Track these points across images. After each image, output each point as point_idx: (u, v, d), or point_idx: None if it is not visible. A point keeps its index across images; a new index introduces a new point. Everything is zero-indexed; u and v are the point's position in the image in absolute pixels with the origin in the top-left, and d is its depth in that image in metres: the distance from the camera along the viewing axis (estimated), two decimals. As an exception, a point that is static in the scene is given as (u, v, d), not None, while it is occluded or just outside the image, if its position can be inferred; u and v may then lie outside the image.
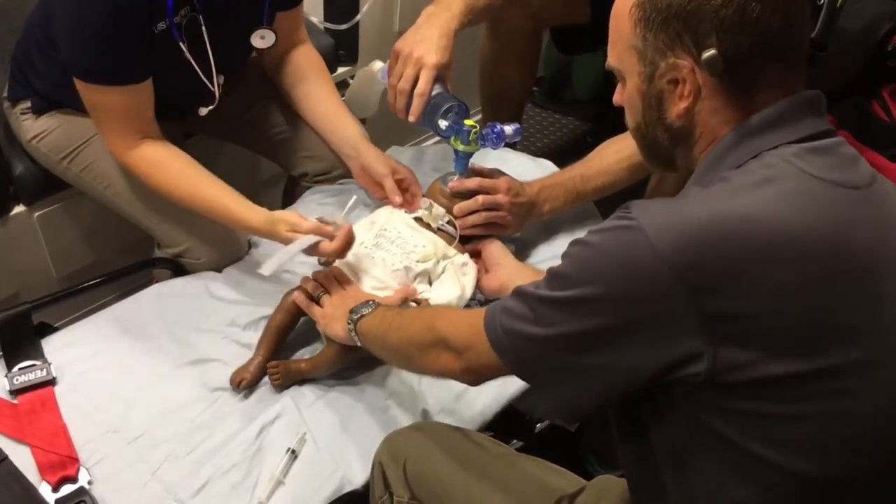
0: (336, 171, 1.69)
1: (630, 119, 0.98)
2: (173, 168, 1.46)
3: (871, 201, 0.86)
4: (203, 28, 1.42)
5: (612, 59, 0.96)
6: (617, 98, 0.99)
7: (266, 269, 1.34)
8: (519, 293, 0.91)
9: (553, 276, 0.88)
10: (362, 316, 1.20)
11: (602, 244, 0.84)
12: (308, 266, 1.50)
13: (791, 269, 0.79)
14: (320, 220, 1.36)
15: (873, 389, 0.82)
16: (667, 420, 0.88)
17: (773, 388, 0.80)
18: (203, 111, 1.55)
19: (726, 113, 0.89)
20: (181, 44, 1.41)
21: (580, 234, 1.57)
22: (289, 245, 1.34)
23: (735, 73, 0.86)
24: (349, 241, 1.35)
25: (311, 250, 1.35)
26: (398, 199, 1.50)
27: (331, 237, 1.34)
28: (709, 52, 0.85)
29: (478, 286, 1.44)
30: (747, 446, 0.82)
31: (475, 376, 1.02)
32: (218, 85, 1.52)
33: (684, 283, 0.79)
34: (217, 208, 1.43)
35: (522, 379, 0.95)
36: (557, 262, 1.55)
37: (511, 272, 1.41)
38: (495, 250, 1.45)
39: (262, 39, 1.53)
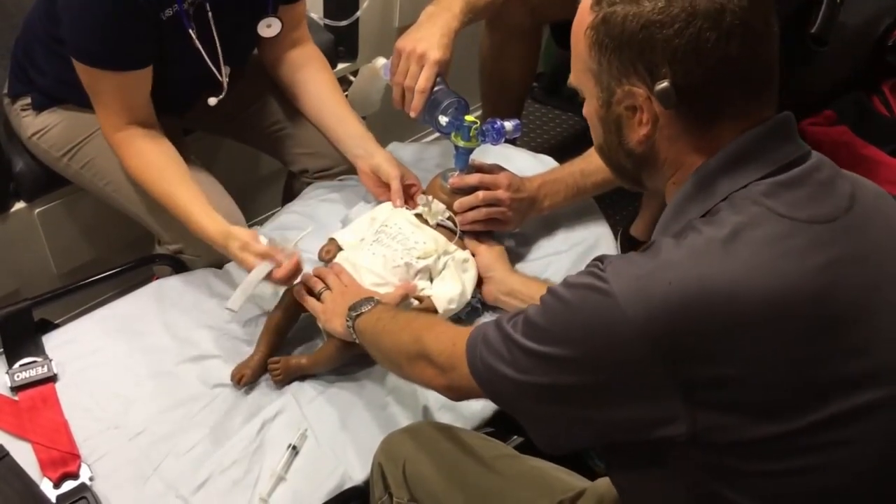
0: (337, 168, 1.69)
1: (594, 138, 0.95)
2: (150, 162, 1.46)
3: (850, 233, 0.82)
4: (210, 15, 1.42)
5: (573, 78, 0.92)
6: (584, 112, 0.95)
7: (233, 304, 1.32)
8: (499, 327, 0.90)
9: (528, 322, 0.86)
10: (361, 314, 1.20)
11: (575, 304, 0.82)
12: (309, 263, 1.50)
13: (769, 332, 0.77)
14: (271, 242, 1.36)
15: (870, 435, 0.80)
16: (653, 467, 0.86)
17: (762, 446, 0.78)
18: (213, 101, 1.55)
19: (687, 141, 0.86)
20: (190, 30, 1.41)
21: (579, 229, 1.61)
22: (248, 275, 1.33)
23: (692, 103, 0.83)
24: (296, 270, 1.35)
25: (268, 277, 1.34)
26: (400, 202, 1.50)
27: (279, 264, 1.33)
28: (661, 84, 0.81)
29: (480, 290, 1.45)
30: (738, 500, 0.81)
31: (458, 394, 1.02)
32: (225, 75, 1.52)
33: (658, 351, 0.77)
34: (180, 210, 1.43)
35: (502, 408, 0.94)
36: (557, 257, 1.57)
37: (500, 285, 1.41)
38: (486, 260, 1.44)
39: (268, 28, 1.54)
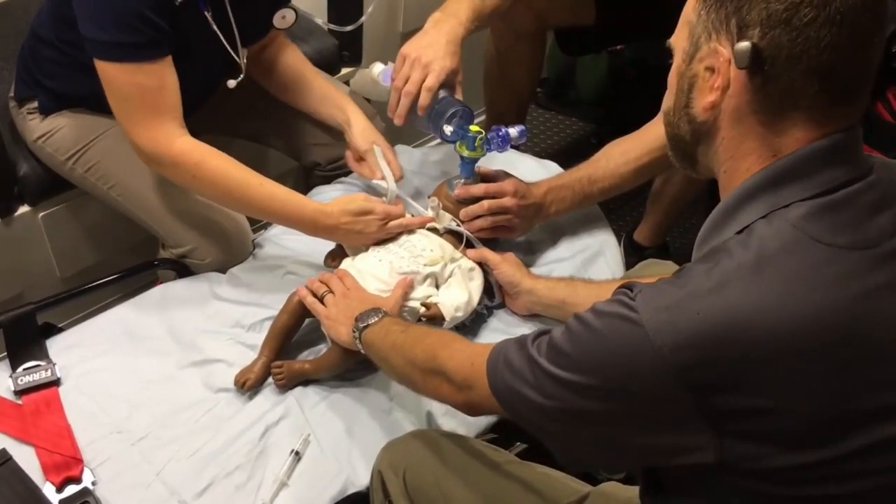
0: None
1: (665, 101, 0.92)
2: (228, 163, 1.40)
3: (890, 259, 0.79)
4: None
5: (673, 37, 0.90)
6: (669, 76, 0.92)
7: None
8: (523, 348, 0.88)
9: (553, 348, 0.85)
10: (368, 325, 1.20)
11: (602, 333, 0.81)
12: (314, 269, 1.50)
13: (800, 364, 0.75)
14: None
15: None
16: (682, 491, 0.85)
17: (795, 473, 0.77)
18: (232, 83, 1.54)
19: (751, 126, 0.82)
20: (206, 13, 1.40)
21: (585, 236, 1.61)
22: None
23: (767, 78, 0.79)
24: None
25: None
26: (379, 174, 1.52)
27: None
28: (743, 42, 0.78)
29: (486, 292, 1.44)
30: None
31: (476, 411, 1.01)
32: (243, 56, 1.52)
33: (686, 382, 0.75)
34: (278, 200, 1.41)
35: (524, 427, 0.92)
36: (560, 264, 1.56)
37: (534, 297, 1.39)
38: (507, 273, 1.40)
39: (283, 19, 1.55)
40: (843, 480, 0.77)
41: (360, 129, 1.59)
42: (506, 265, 1.42)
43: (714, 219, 0.86)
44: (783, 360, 0.75)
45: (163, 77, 1.36)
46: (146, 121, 1.37)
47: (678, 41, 0.88)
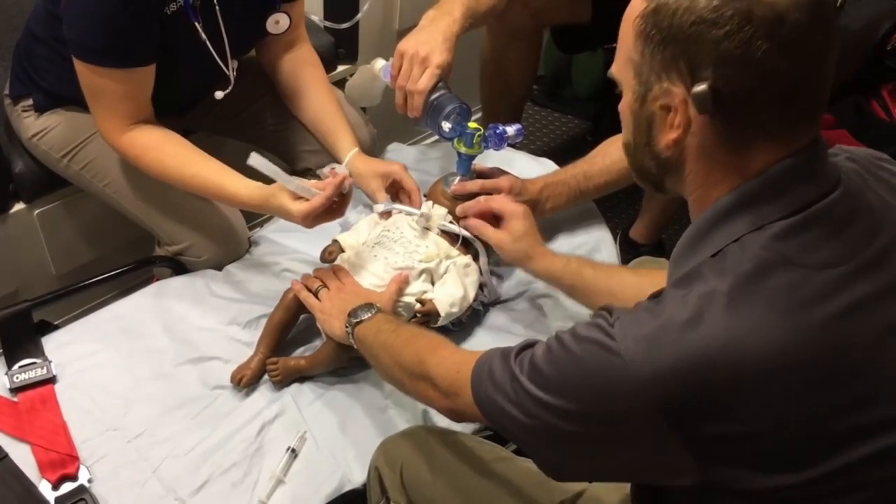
0: None
1: (623, 134, 0.91)
2: (166, 151, 1.44)
3: (867, 271, 0.78)
4: (217, 9, 1.42)
5: (614, 67, 0.88)
6: (619, 106, 0.91)
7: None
8: (506, 362, 0.88)
9: (534, 367, 0.84)
10: (360, 321, 1.20)
11: (581, 358, 0.81)
12: (309, 265, 1.50)
13: (777, 389, 0.75)
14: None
15: (888, 482, 0.78)
16: (676, 502, 0.85)
17: (779, 493, 0.77)
18: (219, 94, 1.54)
19: (717, 157, 0.82)
20: (196, 24, 1.40)
21: (581, 233, 1.61)
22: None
23: (729, 114, 0.78)
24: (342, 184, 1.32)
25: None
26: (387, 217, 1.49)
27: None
28: (700, 86, 0.77)
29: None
30: None
31: (460, 417, 1.01)
32: (232, 69, 1.52)
33: (664, 411, 0.75)
34: (211, 186, 1.42)
35: (506, 438, 0.93)
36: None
37: (511, 238, 1.35)
38: (512, 253, 1.37)
39: (276, 24, 1.54)
40: (832, 497, 0.77)
41: (368, 175, 1.54)
42: (509, 245, 1.37)
43: (687, 241, 0.85)
44: (759, 386, 0.74)
45: (129, 84, 1.40)
46: (101, 113, 1.44)
47: (623, 77, 0.86)
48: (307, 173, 1.72)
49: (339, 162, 1.58)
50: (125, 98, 1.41)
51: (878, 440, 0.77)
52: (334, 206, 1.33)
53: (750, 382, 0.74)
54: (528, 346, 0.89)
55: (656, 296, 0.82)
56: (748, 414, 0.75)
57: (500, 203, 1.41)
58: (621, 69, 0.87)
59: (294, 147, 1.72)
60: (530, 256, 1.35)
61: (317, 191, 1.31)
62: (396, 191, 1.53)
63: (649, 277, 1.18)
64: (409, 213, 1.45)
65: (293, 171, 1.79)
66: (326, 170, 1.37)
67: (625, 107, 0.88)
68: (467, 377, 0.93)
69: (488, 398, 0.90)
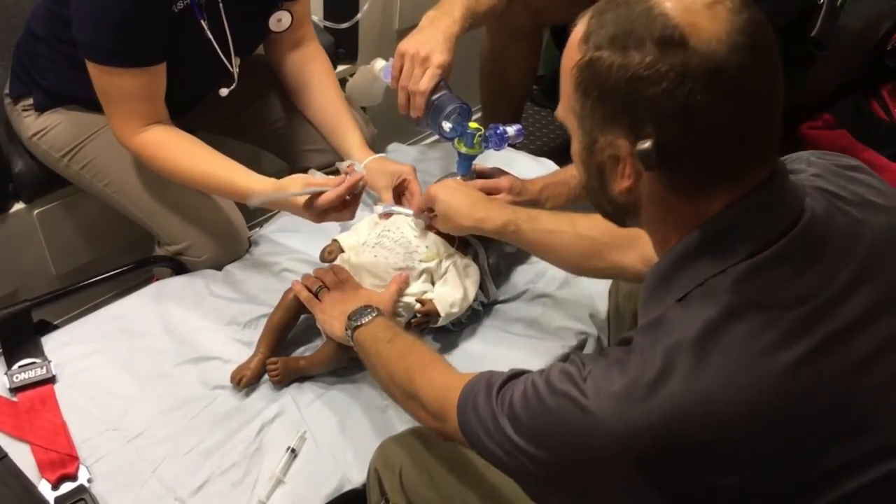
0: None
1: (579, 175, 0.89)
2: (178, 150, 1.44)
3: (836, 305, 0.77)
4: (222, 6, 1.42)
5: (559, 111, 0.87)
6: (571, 151, 0.89)
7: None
8: (489, 397, 0.88)
9: (512, 410, 0.84)
10: (360, 325, 1.20)
11: (554, 412, 0.80)
12: (309, 265, 1.50)
13: (754, 439, 0.74)
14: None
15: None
16: None
17: None
18: (224, 91, 1.55)
19: (671, 204, 0.80)
20: (202, 21, 1.41)
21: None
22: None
23: (676, 168, 0.77)
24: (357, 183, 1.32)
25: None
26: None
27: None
28: (643, 145, 0.75)
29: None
30: None
31: (449, 439, 1.02)
32: (236, 65, 1.52)
33: (639, 465, 0.75)
34: (221, 182, 1.42)
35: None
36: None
37: (443, 223, 1.33)
38: (428, 199, 1.35)
39: (279, 22, 1.55)
40: None
41: (376, 173, 1.54)
42: (446, 229, 1.35)
43: (653, 281, 0.84)
44: (735, 437, 0.74)
45: (143, 83, 1.39)
46: (117, 115, 1.43)
47: (569, 124, 0.85)
48: (307, 172, 1.72)
49: (343, 158, 1.59)
50: (141, 98, 1.41)
51: (876, 469, 0.76)
52: (346, 203, 1.34)
53: (725, 434, 0.74)
54: (514, 377, 0.89)
55: (627, 342, 0.81)
56: (727, 465, 0.74)
57: (416, 196, 1.42)
58: (565, 116, 0.85)
59: (296, 146, 1.72)
60: (472, 227, 1.31)
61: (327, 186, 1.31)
62: (400, 192, 1.53)
63: (588, 230, 1.19)
64: (407, 215, 1.45)
65: (294, 170, 1.79)
66: (345, 164, 1.37)
67: (575, 153, 0.86)
68: (454, 405, 0.94)
69: (472, 432, 0.90)
